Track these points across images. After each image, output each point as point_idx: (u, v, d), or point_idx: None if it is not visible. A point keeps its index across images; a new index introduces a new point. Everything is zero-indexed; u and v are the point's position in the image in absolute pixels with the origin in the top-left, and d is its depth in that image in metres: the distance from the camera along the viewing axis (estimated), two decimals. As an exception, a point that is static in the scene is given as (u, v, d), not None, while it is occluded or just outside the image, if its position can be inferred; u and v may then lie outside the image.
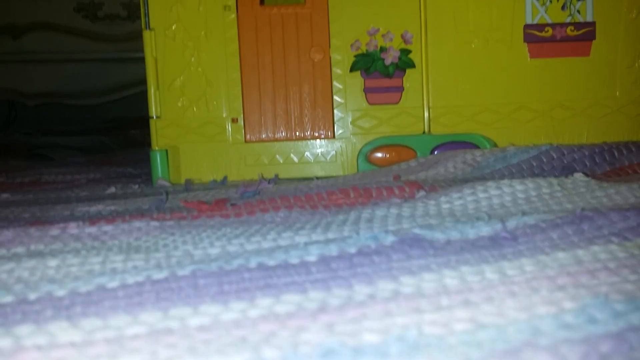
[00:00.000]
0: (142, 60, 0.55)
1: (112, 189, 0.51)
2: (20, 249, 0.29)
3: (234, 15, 0.55)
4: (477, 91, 0.54)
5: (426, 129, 0.54)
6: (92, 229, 0.33)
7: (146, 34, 0.55)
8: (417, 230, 0.26)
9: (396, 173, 0.49)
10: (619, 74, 0.55)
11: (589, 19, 0.54)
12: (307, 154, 0.56)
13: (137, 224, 0.33)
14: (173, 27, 0.55)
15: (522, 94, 0.54)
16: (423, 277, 0.22)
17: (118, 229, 0.33)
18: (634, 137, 0.55)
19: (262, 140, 0.56)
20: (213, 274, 0.23)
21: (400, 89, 0.54)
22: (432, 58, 0.54)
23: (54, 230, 0.32)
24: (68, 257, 0.27)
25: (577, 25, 0.54)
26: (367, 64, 0.54)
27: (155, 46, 0.55)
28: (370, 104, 0.55)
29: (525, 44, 0.54)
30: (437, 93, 0.54)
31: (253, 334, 0.18)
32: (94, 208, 0.41)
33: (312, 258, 0.24)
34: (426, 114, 0.54)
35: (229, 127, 0.56)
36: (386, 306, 0.19)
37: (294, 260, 0.24)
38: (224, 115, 0.56)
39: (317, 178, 0.52)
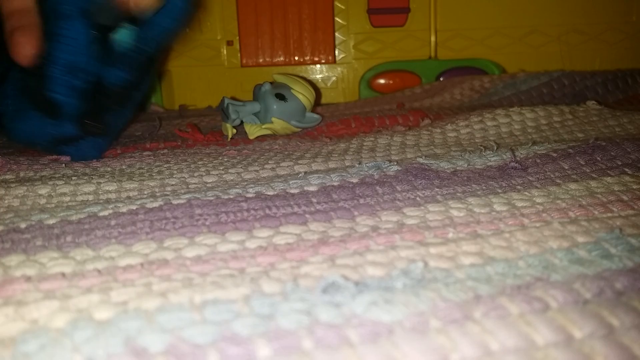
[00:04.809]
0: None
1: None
2: (9, 176, 0.28)
3: None
4: (487, 13, 0.52)
5: (432, 54, 0.52)
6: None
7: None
8: (422, 160, 0.25)
9: (400, 100, 0.47)
10: (636, -2, 0.52)
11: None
12: (307, 79, 0.54)
13: (129, 153, 0.32)
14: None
15: (535, 16, 0.52)
16: (428, 209, 0.21)
17: (109, 156, 0.32)
18: (649, 64, 0.53)
19: (260, 65, 0.54)
20: (210, 204, 0.22)
21: (406, 10, 0.51)
22: (440, -23, 0.51)
23: (44, 159, 0.31)
24: (58, 184, 0.26)
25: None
26: (371, -18, 0.51)
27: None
28: (374, 26, 0.52)
29: (540, -37, 0.51)
30: (445, 15, 0.52)
31: (251, 266, 0.17)
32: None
33: (312, 188, 0.23)
34: (432, 38, 0.52)
35: (224, 50, 0.53)
36: (390, 238, 0.19)
37: (294, 190, 0.23)
38: (219, 38, 0.53)
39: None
